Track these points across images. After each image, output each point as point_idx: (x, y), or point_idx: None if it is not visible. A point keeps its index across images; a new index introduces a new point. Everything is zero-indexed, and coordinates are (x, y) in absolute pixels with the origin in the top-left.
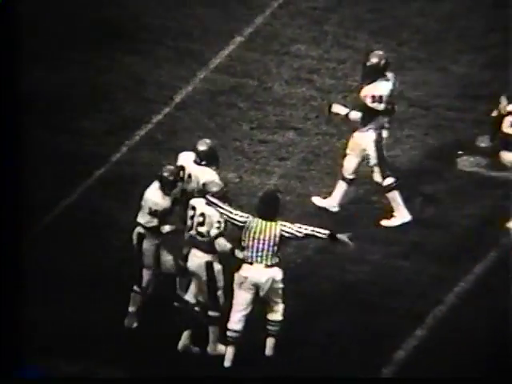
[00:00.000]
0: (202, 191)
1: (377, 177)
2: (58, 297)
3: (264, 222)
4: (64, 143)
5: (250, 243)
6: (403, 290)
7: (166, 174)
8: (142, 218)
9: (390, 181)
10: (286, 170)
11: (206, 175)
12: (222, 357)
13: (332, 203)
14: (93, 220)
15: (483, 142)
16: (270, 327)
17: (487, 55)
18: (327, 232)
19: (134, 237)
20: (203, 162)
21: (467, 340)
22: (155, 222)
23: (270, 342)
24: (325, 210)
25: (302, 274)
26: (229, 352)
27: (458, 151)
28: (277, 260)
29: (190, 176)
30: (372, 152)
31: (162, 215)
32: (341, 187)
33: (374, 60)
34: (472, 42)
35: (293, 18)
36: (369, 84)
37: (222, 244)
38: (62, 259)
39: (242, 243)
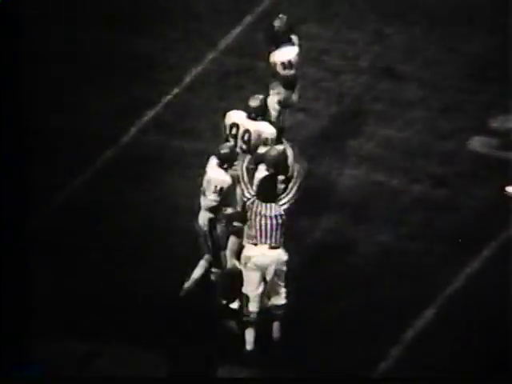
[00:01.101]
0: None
1: None
2: (66, 278)
3: (265, 204)
4: (73, 125)
5: (253, 223)
6: (412, 272)
7: (223, 151)
8: (208, 199)
9: None
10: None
11: (267, 130)
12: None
13: None
14: (102, 202)
15: (495, 123)
16: (274, 311)
17: (499, 35)
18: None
19: (203, 222)
20: (259, 118)
21: (476, 321)
22: (219, 201)
23: (276, 325)
24: (332, 191)
25: (312, 255)
26: (249, 335)
27: (469, 132)
28: (281, 241)
29: (247, 131)
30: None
31: (226, 194)
32: None
33: (276, 25)
34: (484, 23)
35: None
36: (274, 50)
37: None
38: (70, 243)
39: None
